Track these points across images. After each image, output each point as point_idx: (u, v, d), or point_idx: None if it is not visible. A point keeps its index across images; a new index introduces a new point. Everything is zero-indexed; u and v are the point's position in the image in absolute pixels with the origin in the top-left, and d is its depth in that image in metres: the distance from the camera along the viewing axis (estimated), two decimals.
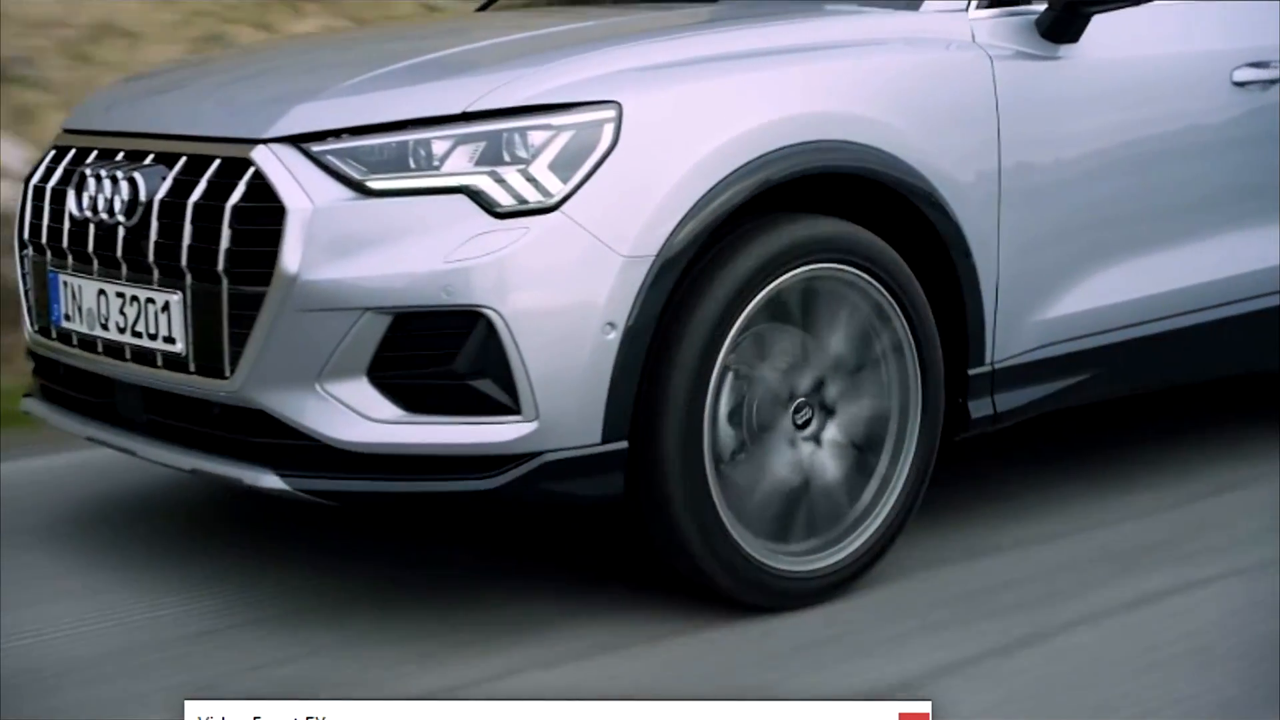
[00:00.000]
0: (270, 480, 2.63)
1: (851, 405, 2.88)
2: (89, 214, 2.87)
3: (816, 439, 2.86)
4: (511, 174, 2.54)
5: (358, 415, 2.58)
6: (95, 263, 2.89)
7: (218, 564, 3.11)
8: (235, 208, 2.62)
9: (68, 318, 3.00)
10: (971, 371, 3.09)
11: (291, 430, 2.61)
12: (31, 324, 3.16)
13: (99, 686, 2.56)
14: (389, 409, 2.58)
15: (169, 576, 3.04)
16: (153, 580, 3.02)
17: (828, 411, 2.87)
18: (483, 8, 4.28)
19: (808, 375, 2.84)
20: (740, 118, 2.70)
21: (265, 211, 2.59)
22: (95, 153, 2.96)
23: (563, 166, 2.55)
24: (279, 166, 2.60)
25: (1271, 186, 3.67)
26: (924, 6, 3.12)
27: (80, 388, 3.05)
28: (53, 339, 3.07)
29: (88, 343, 2.95)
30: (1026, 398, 3.21)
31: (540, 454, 2.55)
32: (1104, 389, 3.40)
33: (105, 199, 2.83)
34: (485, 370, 2.54)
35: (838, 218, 2.85)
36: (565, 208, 2.54)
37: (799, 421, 2.84)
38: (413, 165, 2.59)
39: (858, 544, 2.90)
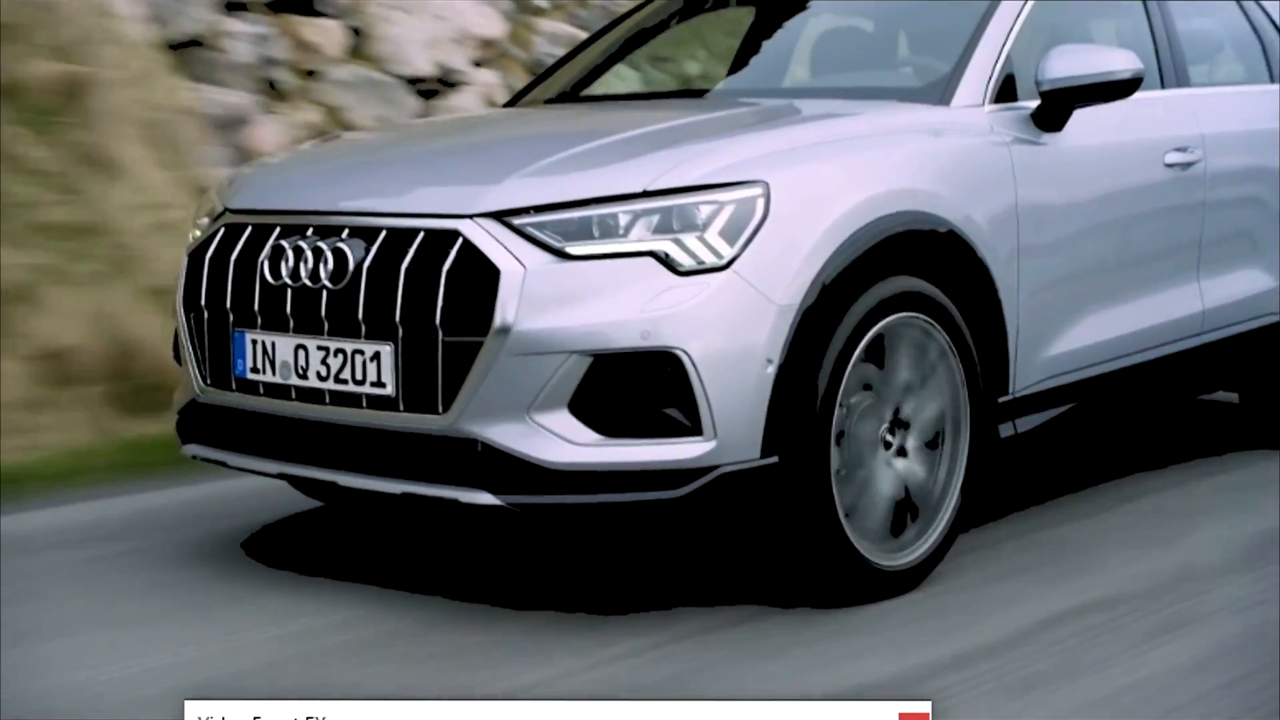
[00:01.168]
0: (485, 498, 3.14)
1: (920, 425, 3.54)
2: (288, 280, 3.34)
3: (903, 451, 3.50)
4: (690, 240, 3.14)
5: (563, 440, 3.11)
6: (292, 322, 3.35)
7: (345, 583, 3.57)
8: (449, 271, 3.14)
9: (255, 370, 3.44)
10: (1000, 400, 3.80)
11: (502, 455, 3.12)
12: (203, 378, 3.58)
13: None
14: (589, 434, 3.12)
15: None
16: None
17: (906, 427, 3.51)
18: (509, 103, 4.86)
19: (892, 402, 3.49)
20: (851, 193, 3.36)
21: (477, 274, 3.12)
22: (278, 229, 3.43)
23: (730, 233, 3.16)
24: (487, 238, 3.14)
25: (1194, 248, 4.52)
26: (953, 102, 3.85)
27: (266, 431, 3.48)
28: (232, 390, 3.50)
29: (278, 390, 3.40)
30: (1040, 421, 3.93)
31: (718, 467, 3.13)
32: (1098, 411, 4.14)
33: (308, 267, 3.31)
34: (674, 400, 3.11)
35: (911, 275, 3.52)
36: (734, 267, 3.15)
37: (887, 441, 3.48)
38: (599, 234, 3.16)
39: (933, 539, 3.55)
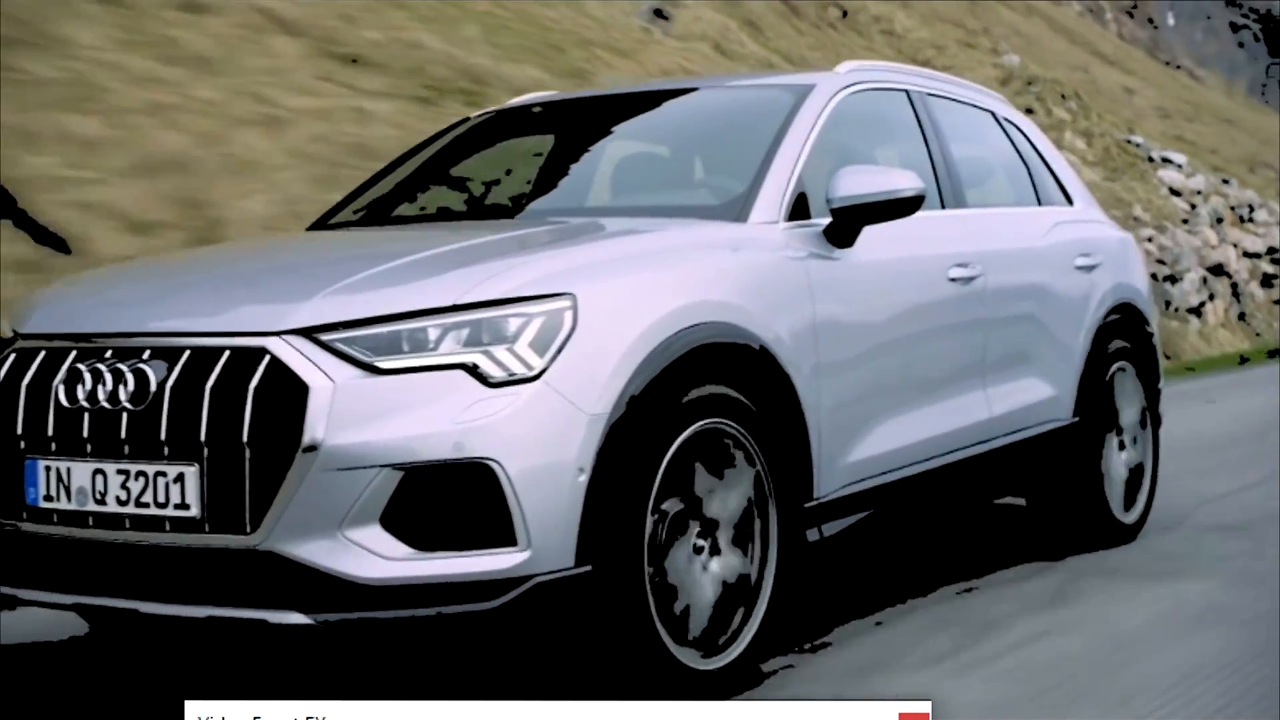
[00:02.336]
0: (295, 618, 3.07)
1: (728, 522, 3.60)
2: (85, 404, 3.25)
3: (716, 549, 3.55)
4: (501, 352, 3.17)
5: (375, 555, 3.08)
6: (89, 446, 3.25)
7: None
8: (256, 389, 3.10)
9: (48, 498, 3.31)
10: (805, 505, 3.90)
11: (312, 572, 3.06)
12: None
13: None
14: (401, 548, 3.09)
15: None
16: None
17: (716, 527, 3.57)
18: (314, 225, 4.85)
19: (702, 505, 3.54)
20: (657, 305, 3.44)
21: (286, 390, 3.09)
22: (74, 353, 3.34)
23: (540, 345, 3.20)
24: (295, 354, 3.12)
25: (979, 357, 4.75)
26: (750, 219, 3.99)
27: (59, 562, 3.34)
28: (23, 520, 3.36)
29: (74, 518, 3.28)
30: (845, 524, 4.04)
31: (532, 577, 3.13)
32: (901, 515, 4.28)
33: (106, 390, 3.22)
34: (487, 511, 3.11)
35: (716, 383, 3.60)
36: (545, 377, 3.18)
37: (698, 545, 3.53)
38: (409, 349, 3.17)
39: (752, 631, 3.59)
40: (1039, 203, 5.58)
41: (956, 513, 5.24)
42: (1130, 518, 5.49)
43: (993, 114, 5.60)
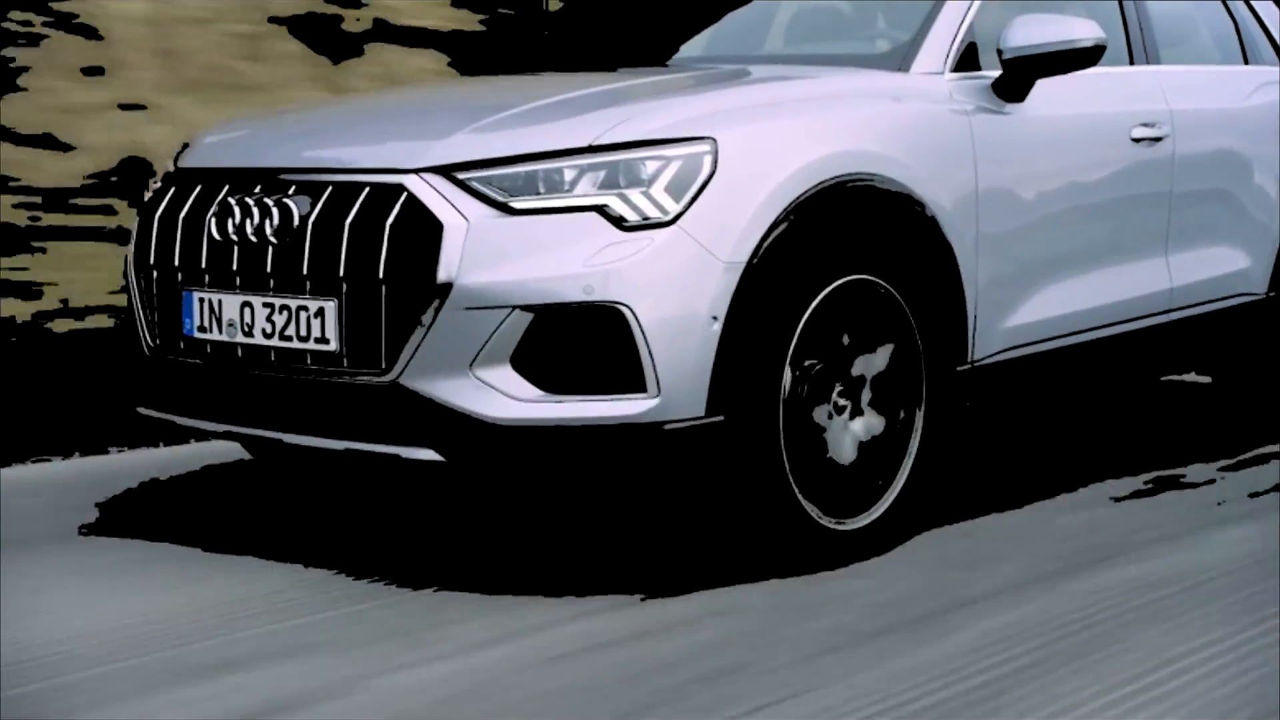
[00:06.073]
0: (427, 454, 3.11)
1: (874, 384, 3.51)
2: (234, 237, 3.32)
3: (858, 410, 3.47)
4: (635, 195, 3.11)
5: (506, 396, 3.09)
6: (238, 279, 3.33)
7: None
8: (393, 226, 3.12)
9: (202, 329, 3.42)
10: (958, 368, 3.76)
11: (445, 410, 3.09)
12: (151, 339, 3.56)
13: None
14: (531, 390, 3.09)
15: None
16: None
17: (861, 386, 3.48)
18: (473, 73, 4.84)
19: (845, 364, 3.45)
20: (801, 153, 3.33)
21: (421, 228, 3.10)
22: (227, 186, 3.40)
23: (676, 189, 3.13)
24: (431, 192, 3.12)
25: (1162, 224, 4.49)
26: (913, 68, 3.82)
27: (211, 391, 3.45)
28: (180, 349, 3.48)
29: (225, 349, 3.38)
30: (1000, 390, 3.90)
31: (662, 424, 3.10)
32: (1062, 385, 4.11)
33: (254, 223, 3.28)
34: (617, 355, 3.08)
35: (863, 237, 3.48)
36: (680, 223, 3.12)
37: (839, 404, 3.45)
38: (544, 189, 3.13)
39: (889, 499, 3.51)
40: (1246, 63, 5.21)
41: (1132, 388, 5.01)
42: None
43: None
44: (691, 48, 4.69)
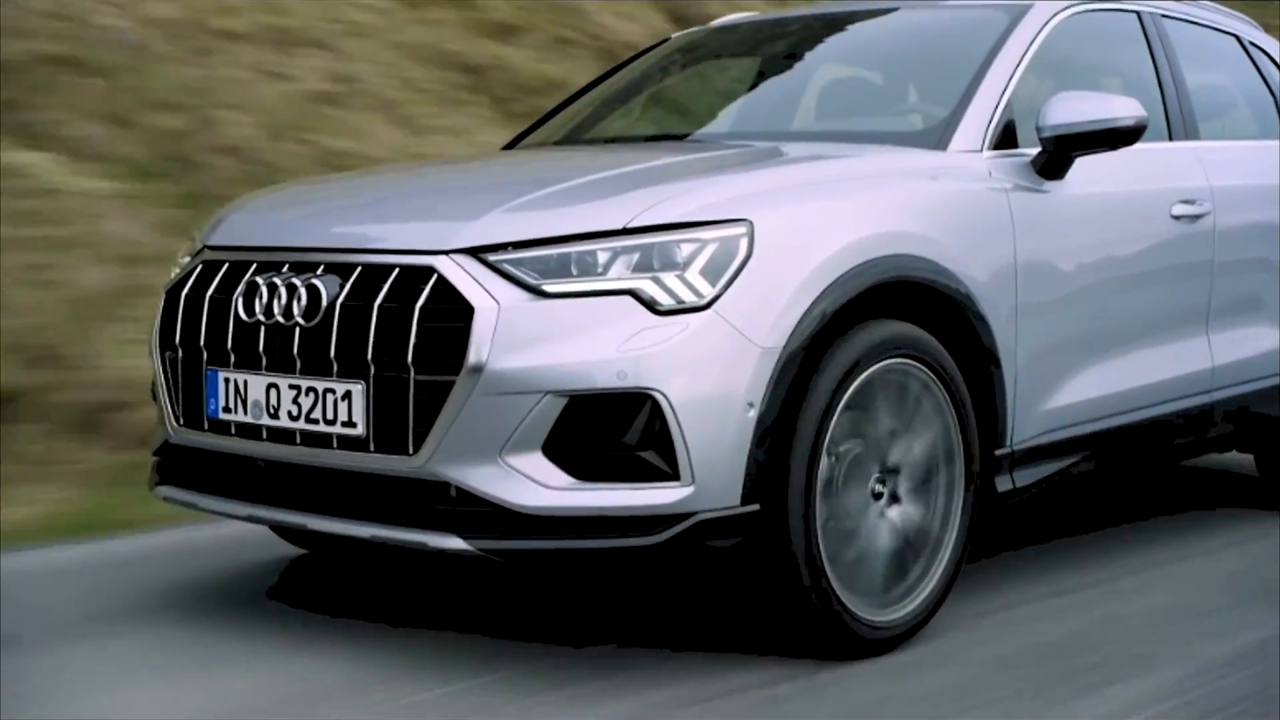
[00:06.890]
0: (454, 543, 3.03)
1: (911, 469, 3.41)
2: (261, 318, 3.26)
3: (895, 497, 3.38)
4: (670, 278, 3.05)
5: (536, 483, 3.01)
6: (264, 360, 3.27)
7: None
8: (422, 308, 3.05)
9: (227, 410, 3.35)
10: (997, 452, 3.67)
11: (472, 498, 3.02)
12: (176, 419, 3.50)
13: None
14: (562, 477, 3.01)
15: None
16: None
17: (896, 473, 3.39)
18: (509, 146, 4.80)
19: (883, 452, 3.37)
20: (839, 235, 3.26)
21: (451, 311, 3.03)
22: (255, 266, 3.35)
23: (711, 273, 3.07)
24: (462, 274, 3.06)
25: (1202, 302, 4.40)
26: (950, 146, 3.76)
27: (235, 473, 3.39)
28: (204, 430, 3.42)
29: (249, 431, 3.31)
30: (1037, 475, 3.80)
31: (695, 513, 3.02)
32: (1094, 468, 4.02)
33: (281, 304, 3.23)
34: (651, 443, 3.00)
35: (903, 320, 3.41)
36: (715, 307, 3.05)
37: (876, 491, 3.36)
38: (577, 272, 3.07)
39: (925, 594, 3.41)
40: None
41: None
42: None
43: (1237, 38, 5.16)
44: (721, 121, 4.66)
